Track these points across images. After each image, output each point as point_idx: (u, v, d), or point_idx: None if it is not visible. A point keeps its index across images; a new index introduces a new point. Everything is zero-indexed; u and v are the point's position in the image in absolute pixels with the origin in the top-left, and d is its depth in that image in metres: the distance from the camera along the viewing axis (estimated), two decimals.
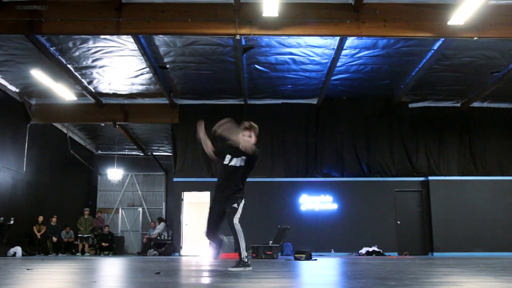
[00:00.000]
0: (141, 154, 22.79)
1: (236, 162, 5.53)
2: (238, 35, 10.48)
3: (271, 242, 13.95)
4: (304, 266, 6.89)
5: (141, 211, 22.74)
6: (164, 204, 22.82)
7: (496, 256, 13.75)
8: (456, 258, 10.86)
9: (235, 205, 5.59)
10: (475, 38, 10.51)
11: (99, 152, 23.14)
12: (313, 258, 10.37)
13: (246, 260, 5.23)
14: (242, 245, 5.37)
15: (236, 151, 5.48)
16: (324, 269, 6.21)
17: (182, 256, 15.59)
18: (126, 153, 23.08)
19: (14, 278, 4.13)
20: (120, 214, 22.75)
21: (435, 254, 15.53)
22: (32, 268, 5.59)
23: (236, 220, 5.49)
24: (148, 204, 22.95)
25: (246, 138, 5.45)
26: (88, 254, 17.16)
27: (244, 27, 10.43)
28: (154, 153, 22.58)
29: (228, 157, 5.52)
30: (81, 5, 10.42)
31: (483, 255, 14.35)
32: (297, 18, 10.41)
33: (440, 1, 10.34)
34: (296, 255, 10.48)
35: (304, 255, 9.90)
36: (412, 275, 4.33)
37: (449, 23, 9.94)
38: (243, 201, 5.72)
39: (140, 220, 22.60)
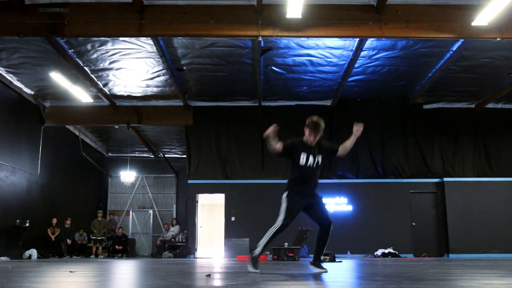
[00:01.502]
0: (151, 156, 22.77)
1: (312, 161, 5.43)
2: (260, 37, 10.47)
3: (286, 244, 13.92)
4: (330, 268, 6.85)
5: (151, 213, 22.69)
6: (174, 206, 22.77)
7: None
8: (473, 260, 10.81)
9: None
10: (498, 39, 10.48)
11: (110, 154, 23.11)
12: (337, 260, 10.32)
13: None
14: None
15: (311, 152, 5.45)
16: (349, 271, 6.19)
17: (197, 258, 15.56)
18: (137, 155, 23.04)
19: (60, 281, 4.10)
20: (130, 216, 22.70)
21: (451, 255, 15.49)
22: (74, 271, 5.56)
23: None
24: (158, 206, 22.90)
25: (311, 139, 5.50)
26: (102, 257, 17.12)
27: (267, 28, 10.41)
28: (165, 155, 22.55)
29: (303, 156, 5.42)
30: (103, 7, 10.40)
31: (499, 257, 14.31)
32: (319, 20, 10.39)
33: (463, 2, 10.32)
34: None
35: (328, 257, 9.86)
36: (438, 277, 4.30)
37: (473, 23, 9.91)
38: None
39: (150, 222, 22.55)
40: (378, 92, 15.91)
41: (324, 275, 4.84)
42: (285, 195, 5.45)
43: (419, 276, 4.40)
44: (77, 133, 19.03)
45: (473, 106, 16.92)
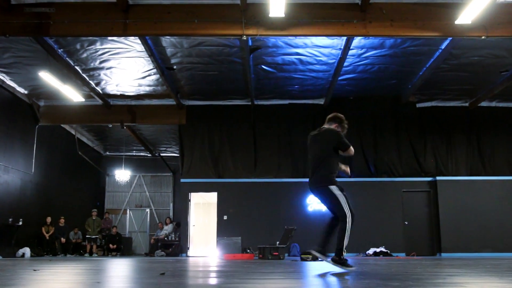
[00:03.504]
0: (148, 155, 22.87)
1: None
2: (244, 36, 10.49)
3: (278, 242, 13.96)
4: (310, 267, 6.88)
5: (148, 212, 22.81)
6: (171, 205, 22.87)
7: (505, 257, 13.65)
8: (464, 259, 10.79)
9: None
10: (483, 37, 10.44)
11: (107, 153, 23.24)
12: (319, 259, 10.31)
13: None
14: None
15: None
16: (328, 269, 6.19)
17: (189, 257, 15.62)
18: (134, 154, 23.16)
19: (20, 278, 4.16)
20: (128, 215, 22.84)
21: (443, 254, 15.44)
22: (39, 269, 5.62)
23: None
24: (155, 205, 23.02)
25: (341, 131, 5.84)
26: (96, 255, 17.23)
27: (251, 27, 10.43)
28: (161, 154, 22.66)
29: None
30: (89, 7, 10.46)
31: (491, 256, 14.26)
32: (303, 19, 10.39)
33: (447, 0, 10.29)
34: (302, 255, 10.47)
35: (310, 256, 9.86)
36: (416, 276, 4.31)
37: (456, 22, 9.89)
38: None
39: (147, 221, 22.67)
40: (371, 91, 15.89)
41: (304, 273, 4.86)
42: (334, 188, 5.42)
43: (400, 274, 4.42)
44: (73, 132, 19.14)
45: (467, 104, 16.85)
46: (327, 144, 5.59)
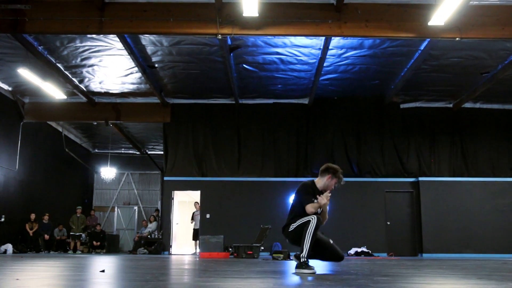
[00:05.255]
0: (137, 153, 22.89)
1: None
2: (219, 35, 10.52)
3: (262, 242, 13.99)
4: (275, 266, 6.91)
5: (136, 210, 22.82)
6: (159, 202, 22.89)
7: (485, 257, 13.70)
8: (442, 260, 10.84)
9: None
10: (457, 39, 10.47)
11: (96, 150, 23.26)
12: (290, 258, 10.37)
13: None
14: None
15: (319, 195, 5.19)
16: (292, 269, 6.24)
17: (171, 254, 15.66)
18: (123, 151, 23.19)
19: None
20: (116, 212, 22.85)
21: (424, 255, 15.48)
22: None
23: None
24: (144, 203, 23.05)
25: (331, 185, 5.25)
26: (80, 252, 17.27)
27: (226, 27, 10.47)
28: (150, 152, 22.69)
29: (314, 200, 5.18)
30: (65, 4, 10.50)
31: (472, 257, 14.31)
32: (278, 18, 10.43)
33: (421, 1, 10.31)
34: (274, 255, 10.51)
35: (282, 255, 9.91)
36: (376, 276, 4.35)
37: (429, 23, 9.91)
38: None
39: (135, 218, 22.67)
40: (354, 91, 15.91)
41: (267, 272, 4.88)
42: (290, 227, 5.20)
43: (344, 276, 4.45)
44: (60, 129, 19.17)
45: (451, 105, 16.88)
46: (297, 199, 5.31)
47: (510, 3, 10.31)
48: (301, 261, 4.74)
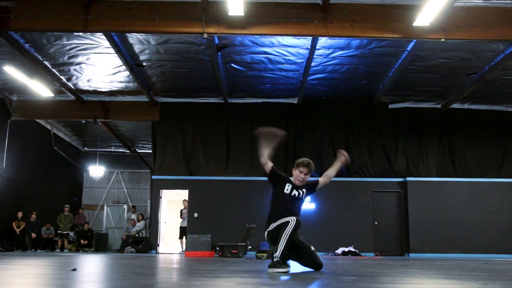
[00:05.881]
0: (127, 151, 22.84)
1: (296, 193, 5.23)
2: (205, 34, 10.51)
3: (247, 241, 14.00)
4: (254, 265, 6.92)
5: (126, 208, 22.78)
6: (149, 201, 22.81)
7: (470, 257, 13.76)
8: (426, 260, 10.89)
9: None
10: (443, 40, 10.52)
11: (86, 149, 23.19)
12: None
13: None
14: None
15: (295, 186, 5.23)
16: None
17: (158, 253, 15.65)
18: (112, 150, 23.13)
19: None
20: (105, 211, 22.82)
21: (411, 255, 15.54)
22: None
23: None
24: (133, 201, 22.99)
25: (302, 176, 5.22)
26: (68, 251, 17.22)
27: (212, 26, 10.46)
28: (140, 151, 22.62)
29: (288, 186, 5.21)
30: (50, 2, 10.47)
31: (458, 257, 14.37)
32: (264, 18, 10.44)
33: (407, 2, 10.35)
34: (257, 254, 10.52)
35: (265, 254, 9.92)
36: (345, 276, 4.36)
37: (414, 24, 9.95)
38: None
39: (125, 217, 22.61)
40: (343, 91, 15.94)
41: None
42: (270, 227, 5.13)
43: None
44: (49, 127, 19.08)
45: (439, 106, 16.94)
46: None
47: (495, 4, 10.36)
48: (274, 260, 4.72)
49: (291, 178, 5.32)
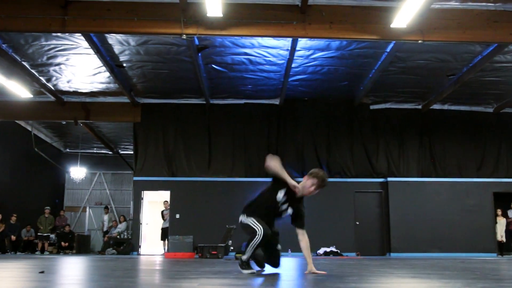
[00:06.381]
0: (109, 152, 22.69)
1: (284, 207, 4.96)
2: (184, 35, 10.49)
3: (230, 242, 14.00)
4: (227, 266, 6.92)
5: (108, 210, 22.58)
6: (132, 203, 22.69)
7: (450, 257, 13.92)
8: (405, 259, 10.98)
9: None
10: (420, 41, 10.62)
11: (68, 150, 22.98)
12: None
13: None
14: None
15: (290, 199, 4.93)
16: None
17: (140, 255, 15.57)
18: (95, 151, 22.96)
19: None
20: (87, 212, 22.64)
21: (392, 254, 15.66)
22: None
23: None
24: (116, 203, 22.85)
25: (311, 190, 4.92)
26: (48, 253, 17.05)
27: (190, 27, 10.44)
28: (122, 152, 22.51)
29: (282, 196, 4.92)
30: (26, 2, 10.36)
31: (438, 256, 14.51)
32: (243, 19, 10.44)
33: (384, 4, 10.42)
34: (237, 255, 10.51)
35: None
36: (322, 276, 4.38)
37: (391, 26, 10.04)
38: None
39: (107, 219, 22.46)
40: (324, 92, 16.01)
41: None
42: (244, 217, 4.93)
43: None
44: (29, 128, 18.89)
45: (420, 107, 17.09)
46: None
47: (471, 7, 10.49)
48: (241, 262, 4.78)
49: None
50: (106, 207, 19.49)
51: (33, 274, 4.42)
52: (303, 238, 4.92)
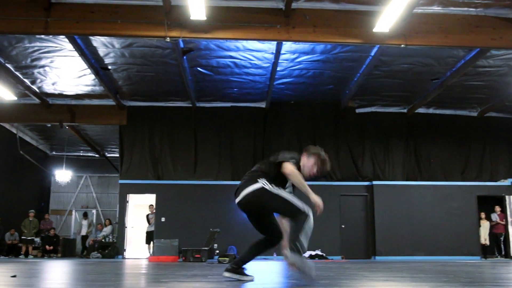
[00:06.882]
0: (96, 155, 22.56)
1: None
2: (168, 38, 10.48)
3: (216, 245, 13.98)
4: (207, 270, 6.91)
5: (95, 213, 22.48)
6: (118, 206, 22.58)
7: (435, 260, 13.98)
8: (387, 262, 11.01)
9: None
10: (403, 45, 10.68)
11: (54, 153, 22.82)
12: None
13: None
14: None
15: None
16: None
17: (125, 258, 15.49)
18: (81, 154, 22.83)
19: None
20: (73, 216, 22.48)
21: (377, 258, 15.70)
22: None
23: None
24: (102, 206, 22.71)
25: (314, 171, 4.42)
26: (32, 257, 16.90)
27: (174, 30, 10.42)
28: (109, 155, 22.40)
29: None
30: (8, 3, 10.29)
31: (422, 259, 14.58)
32: (226, 22, 10.44)
33: (367, 8, 10.48)
34: (220, 258, 10.49)
35: (227, 259, 9.91)
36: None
37: (374, 30, 10.10)
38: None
39: (94, 222, 22.31)
40: (310, 95, 16.06)
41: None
42: (267, 184, 4.14)
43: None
44: (14, 131, 18.73)
45: (405, 111, 17.19)
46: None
47: (453, 12, 10.59)
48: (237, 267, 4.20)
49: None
50: (85, 213, 19.32)
51: (4, 278, 4.38)
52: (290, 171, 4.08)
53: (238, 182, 15.73)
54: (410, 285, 3.58)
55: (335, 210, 16.22)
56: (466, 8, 10.51)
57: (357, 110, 17.00)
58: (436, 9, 10.53)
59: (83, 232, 18.44)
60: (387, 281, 4.12)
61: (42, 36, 11.65)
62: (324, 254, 15.38)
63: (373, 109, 17.13)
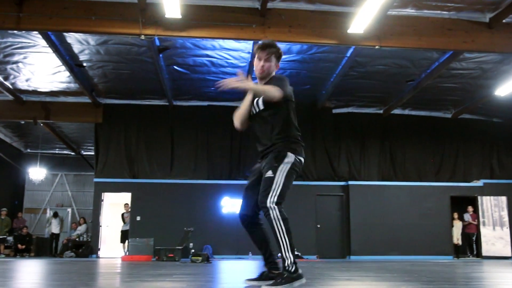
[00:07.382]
0: (72, 153, 22.29)
1: (255, 106, 3.71)
2: (142, 35, 10.40)
3: (191, 244, 13.91)
4: (180, 269, 6.88)
5: (70, 212, 22.21)
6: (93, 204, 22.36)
7: (408, 259, 14.15)
8: (361, 262, 11.11)
9: (270, 173, 3.47)
10: (377, 47, 10.79)
11: (28, 150, 22.47)
12: (210, 260, 10.37)
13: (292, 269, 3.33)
14: (285, 244, 3.43)
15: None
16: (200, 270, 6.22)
17: (99, 257, 15.33)
18: (57, 152, 22.53)
19: None
20: (47, 214, 22.14)
21: (352, 257, 15.82)
22: None
23: (271, 200, 3.46)
24: (78, 205, 22.46)
25: (262, 64, 3.72)
26: (4, 256, 16.62)
27: (149, 27, 10.36)
28: (85, 153, 22.17)
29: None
30: None
31: (396, 259, 14.74)
32: (202, 21, 10.42)
33: (342, 10, 10.56)
34: (192, 257, 10.46)
35: (200, 258, 9.89)
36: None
37: (348, 31, 10.18)
38: (286, 166, 3.51)
39: (69, 220, 22.05)
40: None
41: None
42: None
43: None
44: None
45: (381, 112, 17.36)
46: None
47: (426, 14, 10.73)
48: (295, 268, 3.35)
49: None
50: (56, 213, 19.00)
51: None
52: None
53: (214, 181, 15.73)
54: (370, 285, 3.62)
55: (311, 210, 16.30)
56: (439, 11, 10.65)
57: (334, 111, 17.11)
58: (409, 11, 10.65)
59: (54, 230, 18.07)
60: (349, 280, 4.15)
61: (15, 31, 11.47)
62: (299, 254, 15.42)
63: (349, 109, 17.26)
